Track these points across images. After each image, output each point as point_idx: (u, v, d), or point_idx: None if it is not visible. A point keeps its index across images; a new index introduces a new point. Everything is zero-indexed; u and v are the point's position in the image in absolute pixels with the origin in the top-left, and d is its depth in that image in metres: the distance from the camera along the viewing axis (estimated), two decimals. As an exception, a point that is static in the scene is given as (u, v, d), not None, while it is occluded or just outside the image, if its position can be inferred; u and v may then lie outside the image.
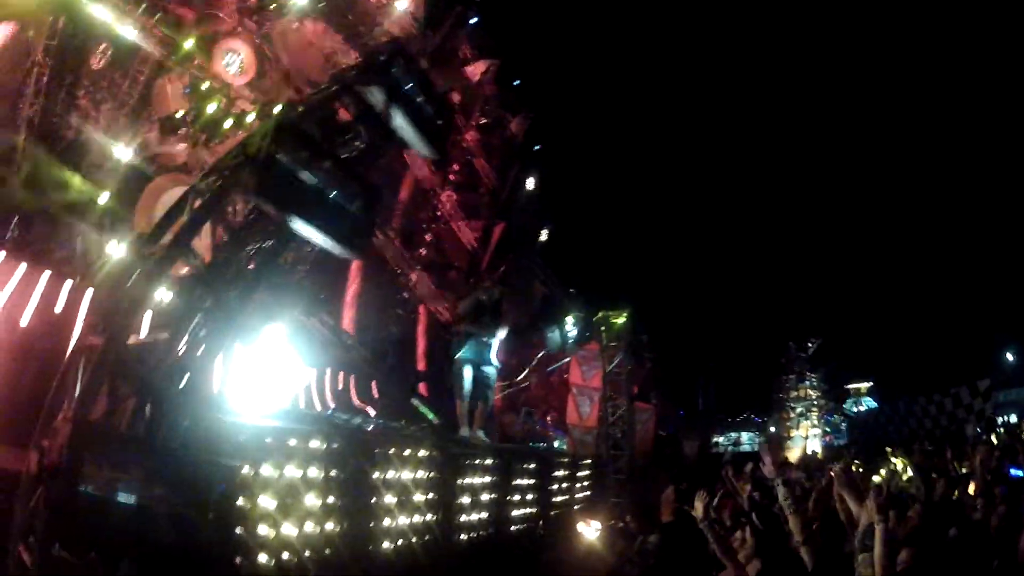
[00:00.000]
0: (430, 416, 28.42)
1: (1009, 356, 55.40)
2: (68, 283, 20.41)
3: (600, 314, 26.57)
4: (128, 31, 26.35)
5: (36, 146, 23.73)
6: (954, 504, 12.16)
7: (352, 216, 9.80)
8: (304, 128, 9.90)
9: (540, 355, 37.79)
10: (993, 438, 28.66)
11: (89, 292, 20.44)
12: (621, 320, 26.26)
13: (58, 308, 19.67)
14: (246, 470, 9.48)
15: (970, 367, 46.96)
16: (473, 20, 38.36)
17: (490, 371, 16.00)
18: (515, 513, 17.54)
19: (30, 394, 17.18)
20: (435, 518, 13.23)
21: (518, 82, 42.36)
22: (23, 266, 19.36)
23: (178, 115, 28.84)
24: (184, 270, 9.71)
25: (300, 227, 9.45)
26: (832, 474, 9.66)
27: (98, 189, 24.66)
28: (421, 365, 36.60)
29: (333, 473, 10.46)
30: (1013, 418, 45.03)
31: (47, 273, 19.97)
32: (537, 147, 44.17)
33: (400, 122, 10.49)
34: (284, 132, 9.46)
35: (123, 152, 25.95)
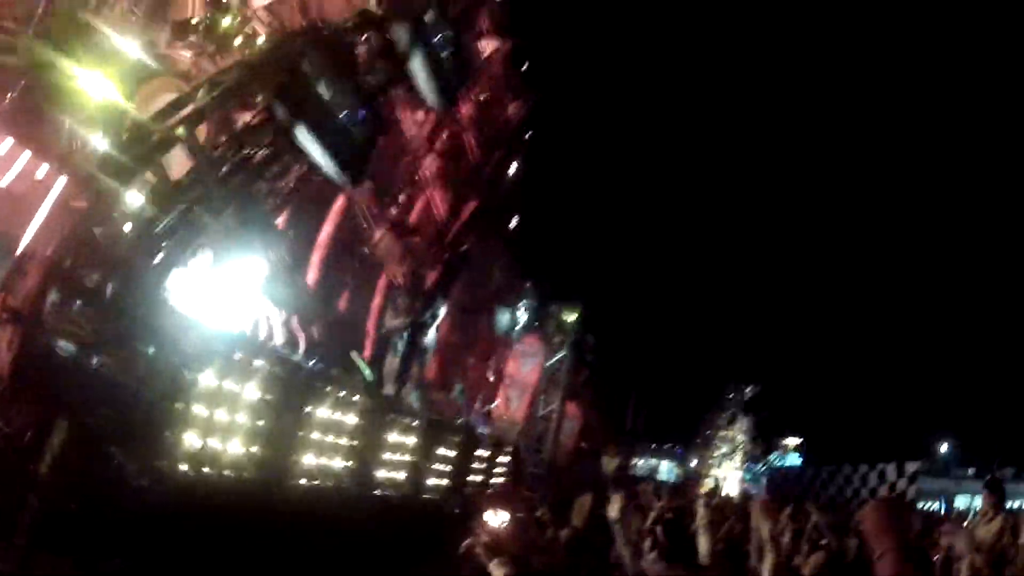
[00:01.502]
0: (366, 372, 28.50)
1: (943, 446, 56.21)
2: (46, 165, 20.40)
3: (552, 306, 26.72)
4: (153, -76, 26.26)
5: (50, 21, 23.50)
6: (866, 566, 12.37)
7: (355, 141, 9.97)
8: (331, 48, 10.06)
9: (481, 338, 37.84)
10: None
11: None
12: (572, 317, 26.47)
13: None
14: (189, 373, 9.63)
15: (901, 448, 47.66)
16: (499, -6, 38.22)
17: (430, 339, 16.15)
18: (431, 482, 17.74)
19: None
20: (354, 466, 13.42)
21: (526, 66, 42.27)
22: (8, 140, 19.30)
23: (193, 21, 28.71)
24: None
25: (304, 139, 9.61)
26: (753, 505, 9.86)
27: (94, 78, 24.47)
28: (369, 323, 36.61)
29: (268, 397, 10.63)
30: (935, 506, 45.70)
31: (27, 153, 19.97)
32: (528, 134, 44.12)
33: (419, 66, 10.66)
34: (312, 42, 9.63)
35: (128, 46, 25.75)
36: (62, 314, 8.63)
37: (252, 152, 9.93)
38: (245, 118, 14.85)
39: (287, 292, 20.15)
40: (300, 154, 10.02)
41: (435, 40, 10.82)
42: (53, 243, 9.34)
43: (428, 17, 10.54)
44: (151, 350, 9.19)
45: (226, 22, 29.22)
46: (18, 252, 9.51)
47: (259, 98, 9.99)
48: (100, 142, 22.97)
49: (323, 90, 9.41)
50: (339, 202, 33.22)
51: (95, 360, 8.72)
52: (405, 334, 15.41)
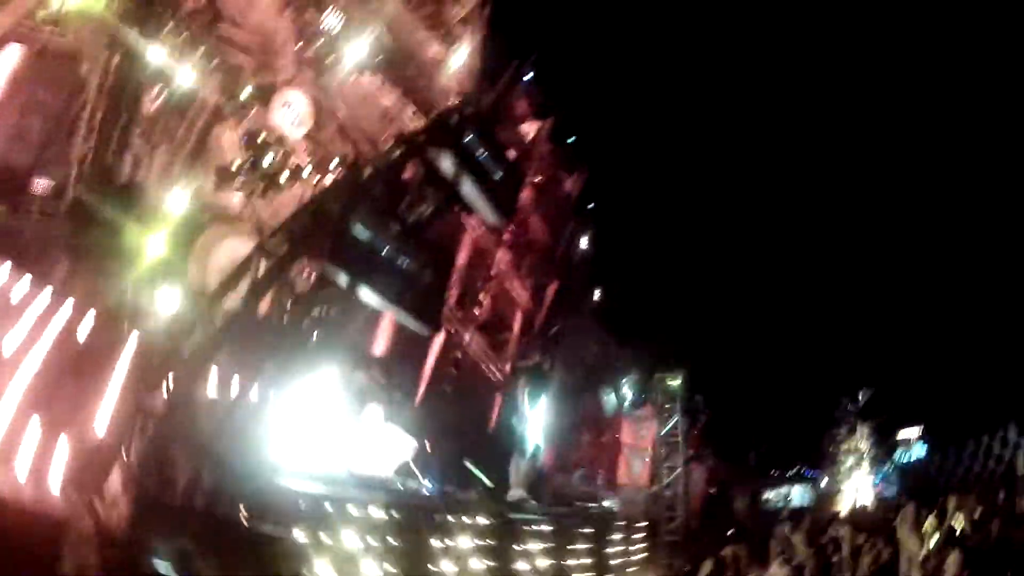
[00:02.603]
0: (484, 480, 28.05)
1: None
2: (112, 325, 20.43)
3: (656, 376, 26.22)
4: (185, 76, 26.48)
5: (87, 186, 23.65)
6: (1011, 544, 11.79)
7: (423, 288, 9.63)
8: (374, 191, 9.76)
9: (591, 415, 37.30)
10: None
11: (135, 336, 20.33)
12: (676, 382, 25.96)
13: (98, 347, 19.61)
14: (305, 539, 9.32)
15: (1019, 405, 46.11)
16: (528, 76, 38.21)
17: (540, 432, 15.67)
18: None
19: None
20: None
21: (572, 140, 42.10)
22: (70, 301, 19.31)
23: (235, 165, 28.83)
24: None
25: (370, 299, 9.30)
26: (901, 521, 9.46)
27: (149, 234, 24.53)
28: (475, 426, 36.30)
29: (392, 542, 10.25)
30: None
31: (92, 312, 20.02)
32: (591, 205, 43.87)
33: (469, 188, 10.32)
34: (355, 196, 9.32)
35: (176, 198, 25.82)
36: (156, 528, 8.31)
37: (323, 313, 9.61)
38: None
39: (384, 412, 19.92)
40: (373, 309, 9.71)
41: (481, 160, 10.43)
42: (137, 446, 9.04)
43: (470, 139, 10.15)
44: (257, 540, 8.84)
45: (268, 160, 29.40)
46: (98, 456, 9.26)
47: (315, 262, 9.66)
48: (166, 308, 23.08)
49: (376, 244, 9.04)
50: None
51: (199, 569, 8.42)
52: (518, 429, 14.94)
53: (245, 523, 8.77)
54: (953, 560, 8.20)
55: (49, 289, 19.07)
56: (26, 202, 22.91)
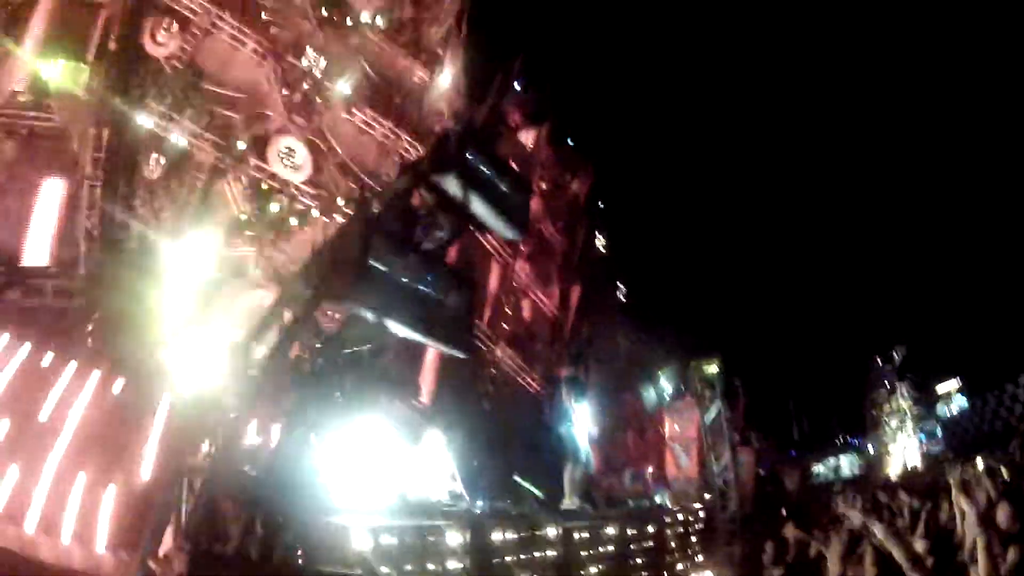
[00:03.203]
0: (535, 492, 27.95)
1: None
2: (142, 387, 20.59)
3: (691, 364, 26.10)
4: (177, 138, 26.65)
5: (100, 256, 23.80)
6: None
7: (450, 312, 9.62)
8: (386, 224, 9.75)
9: (632, 413, 37.25)
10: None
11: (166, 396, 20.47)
12: (713, 369, 25.81)
13: (131, 410, 19.75)
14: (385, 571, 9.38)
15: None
16: (516, 86, 38.31)
17: (584, 434, 15.58)
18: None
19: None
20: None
21: (572, 141, 42.19)
22: (96, 373, 19.42)
23: (242, 217, 28.99)
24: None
25: (399, 329, 9.29)
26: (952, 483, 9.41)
27: (166, 296, 24.67)
28: (518, 441, 36.29)
29: (465, 566, 10.27)
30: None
31: (120, 381, 20.13)
32: (600, 203, 43.95)
33: (481, 207, 10.28)
34: (369, 231, 9.32)
35: (189, 257, 25.98)
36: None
37: (355, 350, 9.60)
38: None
39: (426, 436, 19.96)
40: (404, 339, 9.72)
41: (486, 176, 10.40)
42: (187, 505, 9.11)
43: (472, 158, 10.13)
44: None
45: (275, 208, 29.55)
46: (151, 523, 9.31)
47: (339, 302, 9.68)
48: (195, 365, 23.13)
49: (396, 274, 9.04)
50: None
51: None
52: (563, 437, 14.87)
53: (301, 566, 8.81)
54: (1003, 511, 8.17)
55: (74, 363, 19.34)
56: (38, 283, 23.02)
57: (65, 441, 17.91)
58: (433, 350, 30.29)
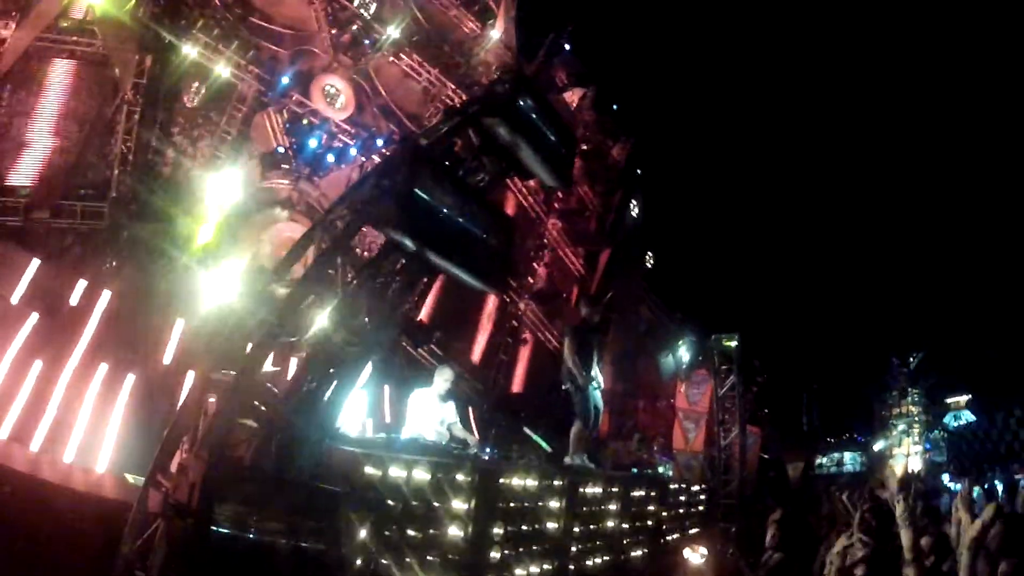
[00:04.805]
0: (543, 445, 28.21)
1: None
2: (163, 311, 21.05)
3: (712, 338, 26.13)
4: (222, 69, 26.81)
5: (133, 180, 23.98)
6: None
7: (490, 249, 9.78)
8: (433, 159, 9.89)
9: (647, 380, 37.45)
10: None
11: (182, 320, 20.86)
12: (732, 344, 25.81)
13: (149, 332, 20.21)
14: (391, 503, 9.55)
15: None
16: (566, 47, 38.45)
17: (597, 395, 15.57)
18: (632, 539, 17.33)
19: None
20: (560, 547, 13.10)
21: (616, 107, 42.26)
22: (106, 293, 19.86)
23: (279, 150, 29.19)
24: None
25: (438, 261, 9.44)
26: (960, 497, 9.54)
27: (197, 225, 24.88)
28: (524, 393, 36.50)
29: (471, 504, 10.42)
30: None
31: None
32: (639, 171, 44.04)
33: (527, 153, 10.39)
34: (416, 164, 9.45)
35: (223, 187, 26.17)
36: (230, 499, 8.60)
37: (387, 279, 9.75)
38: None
39: (458, 389, 20.16)
40: (437, 270, 9.84)
41: (536, 123, 10.52)
42: (206, 420, 9.34)
43: (524, 104, 10.25)
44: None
45: (312, 144, 29.76)
46: (164, 440, 9.56)
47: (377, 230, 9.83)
48: (220, 290, 23.38)
49: (438, 204, 9.19)
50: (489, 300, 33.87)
51: (269, 532, 8.77)
52: (578, 395, 14.89)
53: (313, 484, 9.06)
54: (996, 531, 8.32)
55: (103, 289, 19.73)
56: (69, 205, 23.26)
57: (74, 362, 18.26)
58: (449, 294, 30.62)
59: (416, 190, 9.16)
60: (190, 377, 17.51)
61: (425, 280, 10.37)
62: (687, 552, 19.28)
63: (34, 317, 18.23)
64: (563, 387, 15.69)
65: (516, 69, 30.98)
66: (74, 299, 19.60)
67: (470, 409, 27.03)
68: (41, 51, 23.97)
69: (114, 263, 23.31)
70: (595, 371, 15.16)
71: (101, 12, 23.67)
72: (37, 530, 12.15)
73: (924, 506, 13.70)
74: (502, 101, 10.42)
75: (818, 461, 61.25)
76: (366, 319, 9.82)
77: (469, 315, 33.57)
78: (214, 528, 8.39)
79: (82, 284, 19.98)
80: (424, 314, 30.52)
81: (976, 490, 21.73)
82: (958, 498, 9.13)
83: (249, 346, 9.38)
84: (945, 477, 41.18)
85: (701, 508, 24.28)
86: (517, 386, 36.62)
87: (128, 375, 18.68)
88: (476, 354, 34.06)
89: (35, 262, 19.45)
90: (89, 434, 17.63)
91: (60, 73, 24.36)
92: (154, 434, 13.06)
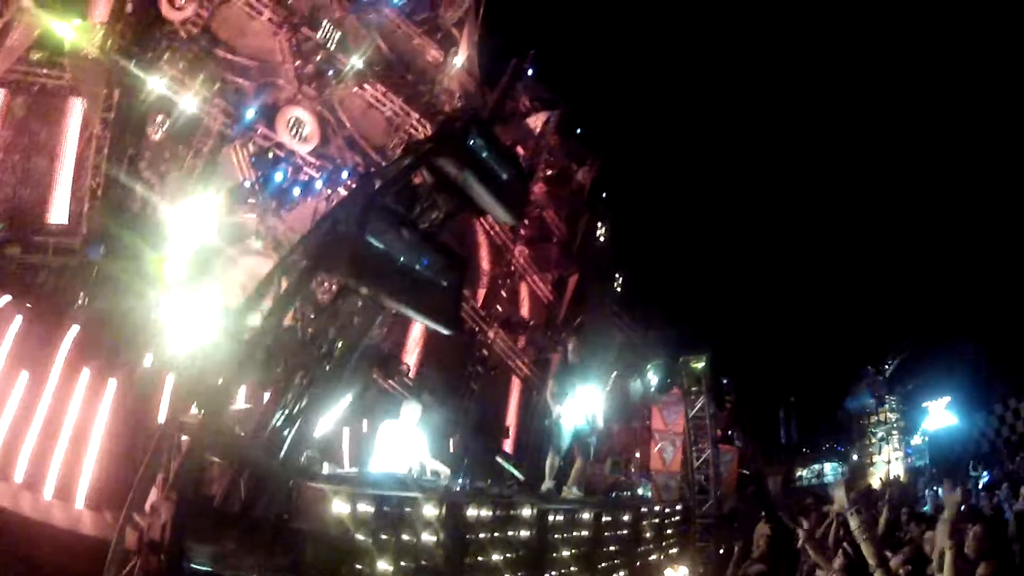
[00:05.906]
0: (516, 474, 28.21)
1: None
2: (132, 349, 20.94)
3: (680, 359, 26.29)
4: (187, 102, 26.85)
5: (100, 218, 24.05)
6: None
7: (442, 290, 9.85)
8: (386, 201, 9.96)
9: (619, 403, 37.53)
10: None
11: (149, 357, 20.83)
12: (701, 365, 25.97)
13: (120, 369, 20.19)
14: (360, 538, 9.60)
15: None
16: (530, 71, 38.58)
17: (586, 428, 15.61)
18: (610, 562, 17.39)
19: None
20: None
21: (580, 130, 42.44)
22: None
23: (246, 184, 29.22)
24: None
25: (391, 303, 9.53)
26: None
27: (166, 260, 24.92)
28: (506, 422, 36.60)
29: (439, 538, 10.47)
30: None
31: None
32: (604, 194, 44.26)
33: (478, 190, 10.49)
34: (369, 206, 9.53)
35: (190, 221, 26.19)
36: (201, 538, 8.65)
37: (347, 322, 9.83)
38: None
39: (430, 420, 20.17)
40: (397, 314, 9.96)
41: (487, 162, 10.63)
42: (176, 460, 9.39)
43: (474, 143, 10.35)
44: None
45: (278, 177, 29.78)
46: (139, 479, 9.63)
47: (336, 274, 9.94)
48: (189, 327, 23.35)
49: (394, 252, 9.28)
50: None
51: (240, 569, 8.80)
52: (548, 423, 14.98)
53: (280, 522, 9.09)
54: (974, 533, 8.38)
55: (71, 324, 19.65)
56: (40, 240, 23.28)
57: (47, 402, 18.17)
58: (421, 330, 30.74)
59: (368, 237, 9.24)
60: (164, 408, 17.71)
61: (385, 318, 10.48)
62: (668, 572, 19.37)
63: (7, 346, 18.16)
64: (545, 421, 15.79)
65: (468, 108, 31.16)
66: (47, 333, 19.52)
67: (442, 440, 27.06)
68: (10, 83, 24.04)
69: (86, 299, 23.33)
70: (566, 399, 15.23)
71: (71, 46, 23.77)
72: (20, 565, 12.20)
73: (910, 512, 13.86)
74: (453, 141, 10.52)
75: (798, 473, 61.39)
76: (326, 363, 9.89)
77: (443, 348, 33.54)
78: (189, 565, 8.42)
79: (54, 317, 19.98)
80: (416, 347, 30.86)
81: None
82: (946, 506, 9.19)
83: (219, 383, 9.42)
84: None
85: (680, 528, 24.34)
86: (489, 415, 36.65)
87: (103, 403, 18.60)
88: (447, 384, 34.06)
89: (6, 297, 19.39)
90: (66, 467, 17.59)
91: (29, 106, 24.44)
92: (132, 464, 13.12)
